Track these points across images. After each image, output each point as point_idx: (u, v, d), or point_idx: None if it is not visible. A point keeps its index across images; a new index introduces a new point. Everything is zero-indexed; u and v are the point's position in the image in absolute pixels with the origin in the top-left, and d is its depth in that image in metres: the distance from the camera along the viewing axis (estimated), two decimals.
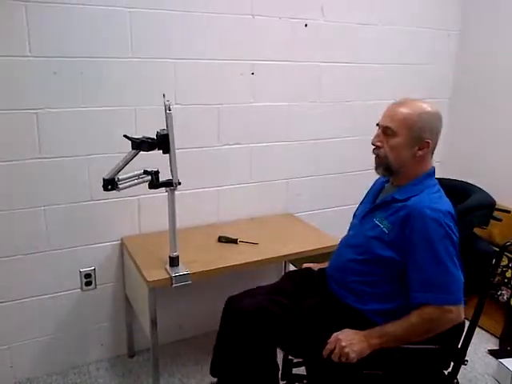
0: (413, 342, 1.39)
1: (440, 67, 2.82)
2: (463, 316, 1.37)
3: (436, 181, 1.50)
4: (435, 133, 1.46)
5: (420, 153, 1.45)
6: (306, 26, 2.30)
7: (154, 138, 1.62)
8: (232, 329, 1.51)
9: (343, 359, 1.36)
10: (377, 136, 1.49)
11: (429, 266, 1.36)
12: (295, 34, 2.29)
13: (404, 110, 1.44)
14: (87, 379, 2.12)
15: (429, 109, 1.45)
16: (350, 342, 1.37)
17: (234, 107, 2.24)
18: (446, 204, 1.41)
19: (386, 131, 1.46)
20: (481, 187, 1.59)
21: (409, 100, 1.47)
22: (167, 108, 1.56)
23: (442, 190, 1.48)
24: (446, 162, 2.94)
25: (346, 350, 1.36)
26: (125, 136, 1.62)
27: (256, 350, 1.46)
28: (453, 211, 1.41)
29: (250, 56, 2.21)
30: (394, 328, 1.39)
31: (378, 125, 1.50)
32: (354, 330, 1.41)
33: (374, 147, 1.50)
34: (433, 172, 1.51)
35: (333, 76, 2.45)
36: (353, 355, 1.35)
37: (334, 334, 1.41)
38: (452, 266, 1.35)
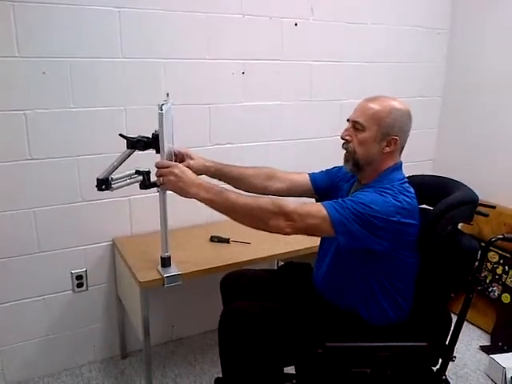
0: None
1: (430, 65, 2.83)
2: (288, 232, 1.38)
3: (403, 175, 1.49)
4: (404, 130, 1.46)
5: (387, 149, 1.45)
6: (295, 25, 2.31)
7: (149, 137, 1.62)
8: (227, 332, 1.50)
9: (161, 182, 1.44)
10: (346, 130, 1.50)
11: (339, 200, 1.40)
12: (285, 34, 2.29)
13: (374, 106, 1.44)
14: (80, 381, 2.11)
15: (399, 106, 1.45)
16: (182, 177, 1.42)
17: (225, 107, 2.24)
18: (396, 198, 1.38)
19: (355, 126, 1.47)
20: (472, 184, 1.59)
21: (380, 96, 1.47)
22: (159, 108, 1.54)
23: (406, 183, 1.46)
24: (437, 160, 2.96)
25: (172, 178, 1.42)
26: (120, 135, 1.61)
27: (252, 353, 1.45)
28: (401, 204, 1.37)
29: (240, 55, 2.21)
30: (235, 195, 1.41)
31: (348, 120, 1.51)
32: (195, 175, 1.45)
33: (343, 142, 1.50)
34: (398, 166, 1.50)
35: (323, 75, 2.46)
36: (170, 186, 1.43)
37: (175, 163, 1.47)
38: (342, 213, 1.35)
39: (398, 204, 1.36)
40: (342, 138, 1.50)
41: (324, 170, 1.77)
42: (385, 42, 2.61)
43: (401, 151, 1.50)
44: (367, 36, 2.54)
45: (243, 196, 1.42)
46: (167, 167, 1.45)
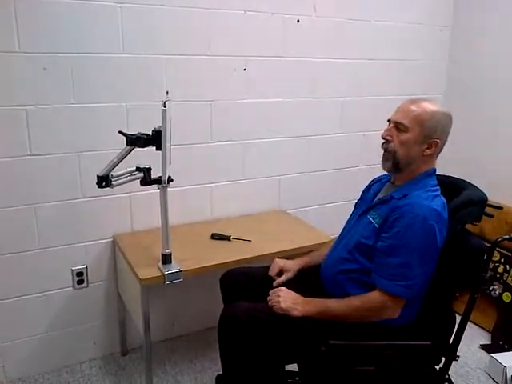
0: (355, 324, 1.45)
1: (433, 63, 2.82)
2: (398, 313, 1.42)
3: (436, 181, 1.52)
4: (445, 133, 1.48)
5: (428, 151, 1.47)
6: (298, 21, 2.29)
7: (149, 134, 1.61)
8: (228, 334, 1.50)
9: (273, 306, 1.47)
10: (388, 130, 1.51)
11: (394, 255, 1.40)
12: (287, 30, 2.28)
13: (417, 108, 1.47)
14: (80, 378, 2.11)
15: (442, 109, 1.48)
16: (286, 297, 1.48)
17: (227, 103, 2.23)
18: (436, 203, 1.42)
19: (397, 126, 1.48)
20: (475, 183, 1.59)
21: (422, 99, 1.50)
22: (163, 104, 1.54)
23: (439, 189, 1.49)
24: (440, 158, 2.94)
25: (280, 299, 1.47)
26: (120, 132, 1.61)
27: (254, 354, 1.45)
28: (443, 211, 1.41)
29: (242, 52, 2.20)
30: (334, 304, 1.46)
31: (389, 120, 1.53)
32: (297, 294, 1.51)
33: (383, 141, 1.52)
34: (433, 172, 1.53)
35: (325, 72, 2.45)
36: (281, 305, 1.45)
37: (279, 288, 1.54)
38: (417, 264, 1.38)
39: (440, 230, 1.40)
40: (383, 138, 1.51)
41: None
42: (387, 39, 2.60)
43: (438, 153, 1.52)
44: (369, 33, 2.53)
45: (340, 301, 1.47)
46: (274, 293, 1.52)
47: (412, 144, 1.46)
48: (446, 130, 1.48)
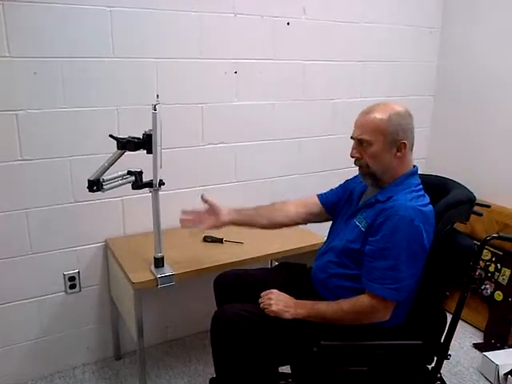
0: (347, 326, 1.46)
1: (423, 64, 2.84)
2: (389, 316, 1.43)
3: (419, 180, 1.52)
4: (408, 131, 1.47)
5: (399, 154, 1.47)
6: (288, 24, 2.30)
7: (140, 138, 1.61)
8: (219, 336, 1.50)
9: (265, 309, 1.48)
10: (354, 148, 1.51)
11: (382, 258, 1.40)
12: (277, 33, 2.29)
13: (373, 117, 1.45)
14: (73, 383, 2.10)
15: (397, 109, 1.46)
16: (278, 299, 1.49)
17: (218, 106, 2.23)
18: (421, 203, 1.42)
19: (361, 143, 1.48)
20: (464, 183, 1.60)
21: (375, 105, 1.49)
22: (153, 108, 1.55)
23: (423, 189, 1.50)
24: (429, 159, 2.97)
25: (272, 302, 1.48)
26: (110, 136, 1.61)
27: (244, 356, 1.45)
28: (429, 211, 1.42)
29: (232, 55, 2.20)
30: (324, 307, 1.47)
31: (352, 138, 1.52)
32: (289, 296, 1.52)
33: (354, 159, 1.52)
34: (415, 171, 1.53)
35: (316, 74, 2.46)
36: (273, 308, 1.47)
37: (271, 290, 1.54)
38: (405, 266, 1.39)
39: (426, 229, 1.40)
40: (353, 157, 1.51)
41: (334, 188, 1.83)
42: (377, 41, 2.62)
43: (411, 148, 1.51)
44: (359, 35, 2.54)
45: (330, 304, 1.47)
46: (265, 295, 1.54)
47: (382, 154, 1.46)
48: (408, 128, 1.47)
